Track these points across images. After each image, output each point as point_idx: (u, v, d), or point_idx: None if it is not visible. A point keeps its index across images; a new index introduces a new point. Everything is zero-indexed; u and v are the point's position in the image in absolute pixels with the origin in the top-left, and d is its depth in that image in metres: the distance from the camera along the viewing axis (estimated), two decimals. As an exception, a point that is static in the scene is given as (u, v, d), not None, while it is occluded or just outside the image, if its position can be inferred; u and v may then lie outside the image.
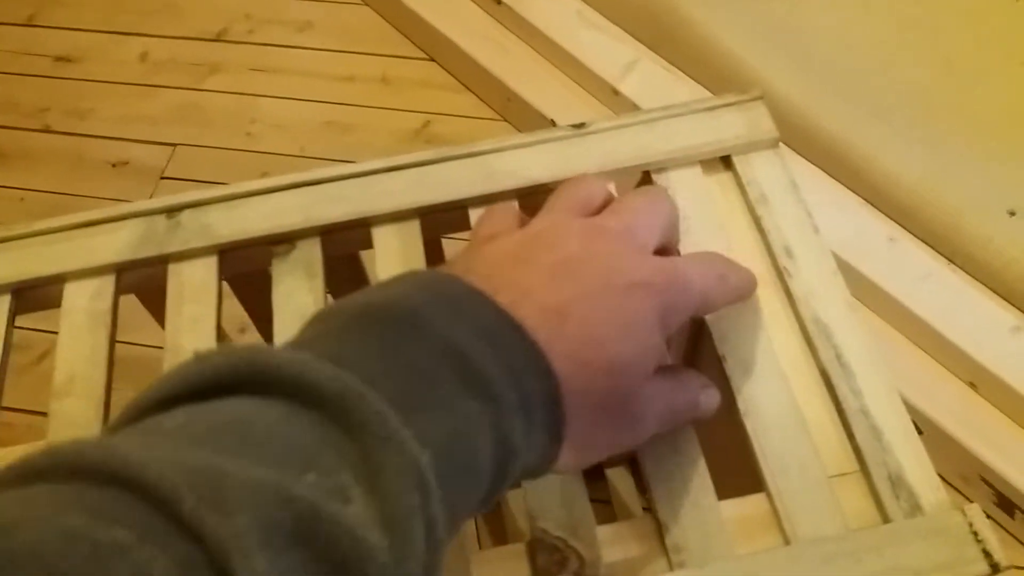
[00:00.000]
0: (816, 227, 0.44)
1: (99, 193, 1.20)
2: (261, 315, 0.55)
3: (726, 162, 0.47)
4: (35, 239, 0.46)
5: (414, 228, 0.46)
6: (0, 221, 0.46)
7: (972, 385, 0.90)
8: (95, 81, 1.35)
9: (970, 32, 1.08)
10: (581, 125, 0.48)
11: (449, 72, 1.32)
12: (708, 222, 0.44)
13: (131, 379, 0.49)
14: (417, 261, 0.45)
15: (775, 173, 0.46)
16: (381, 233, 0.46)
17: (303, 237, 0.46)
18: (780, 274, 0.42)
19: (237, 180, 0.47)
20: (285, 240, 0.46)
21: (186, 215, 0.46)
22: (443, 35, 1.28)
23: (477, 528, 0.77)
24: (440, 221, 0.47)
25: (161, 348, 0.43)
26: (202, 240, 0.45)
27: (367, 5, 1.42)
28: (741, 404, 0.39)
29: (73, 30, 1.42)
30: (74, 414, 0.41)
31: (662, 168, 0.47)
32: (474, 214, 0.46)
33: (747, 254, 0.44)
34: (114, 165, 1.25)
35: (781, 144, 0.47)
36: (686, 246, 0.43)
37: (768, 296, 0.42)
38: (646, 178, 0.47)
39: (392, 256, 0.45)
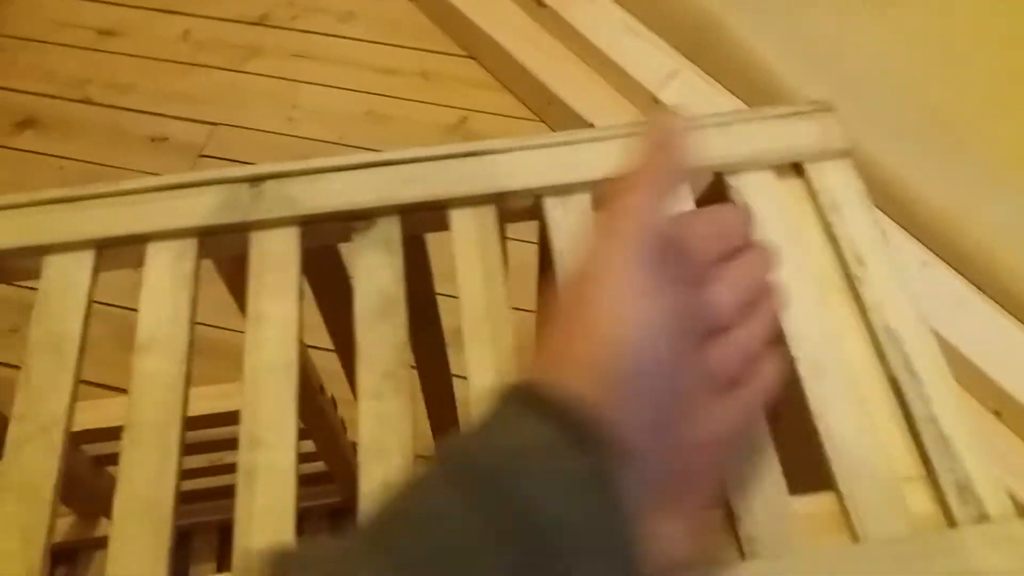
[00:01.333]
0: (886, 236, 0.45)
1: (137, 167, 1.21)
2: (324, 289, 0.56)
3: (797, 169, 0.48)
4: (121, 198, 0.47)
5: (490, 213, 0.47)
6: (37, 187, 0.47)
7: (997, 413, 0.91)
8: (137, 56, 1.36)
9: (1005, 59, 1.09)
10: (659, 124, 0.48)
11: (488, 71, 1.33)
12: (781, 226, 0.45)
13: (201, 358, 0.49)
14: (493, 246, 0.46)
15: (846, 181, 0.47)
16: (459, 216, 0.47)
17: (383, 215, 0.47)
18: (851, 282, 0.43)
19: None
20: (365, 216, 0.47)
21: (269, 185, 0.47)
22: (485, 33, 1.29)
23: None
24: (514, 209, 0.48)
25: (230, 330, 0.43)
26: (285, 210, 0.46)
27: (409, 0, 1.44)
28: (812, 405, 0.39)
29: (116, 5, 1.44)
30: (156, 371, 0.41)
31: (735, 171, 0.47)
32: (548, 203, 0.47)
33: (818, 260, 0.45)
34: (153, 140, 1.26)
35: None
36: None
37: (839, 302, 0.43)
38: (718, 180, 0.48)
39: (469, 239, 0.46)
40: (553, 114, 1.23)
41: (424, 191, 0.47)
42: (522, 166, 0.47)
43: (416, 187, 0.47)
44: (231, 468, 0.39)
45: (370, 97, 1.31)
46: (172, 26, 1.40)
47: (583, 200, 0.46)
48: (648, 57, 1.19)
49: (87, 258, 0.45)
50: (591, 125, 1.16)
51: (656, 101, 1.15)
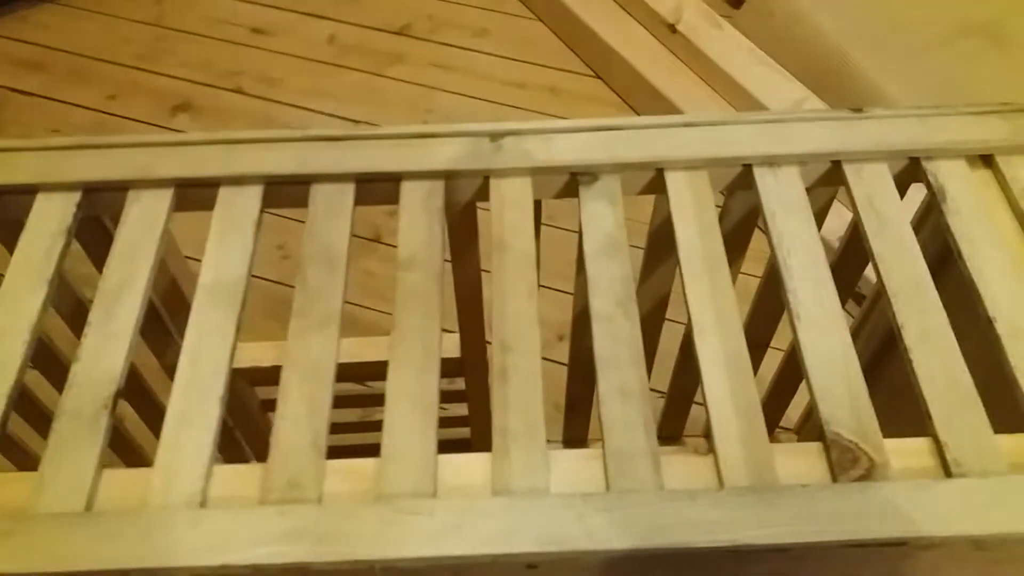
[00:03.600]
0: (1074, 224, 0.49)
1: (284, 154, 1.30)
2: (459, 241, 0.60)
3: (986, 160, 0.52)
4: (380, 141, 0.54)
5: (703, 178, 0.52)
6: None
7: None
8: (286, 54, 1.46)
9: None
10: (859, 109, 0.53)
11: (614, 90, 1.40)
12: (973, 207, 0.50)
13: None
14: (708, 214, 0.50)
15: (1035, 175, 0.51)
16: (674, 178, 0.52)
17: (606, 172, 0.52)
18: (1042, 257, 0.47)
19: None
20: (590, 172, 0.52)
21: (508, 140, 0.53)
22: (616, 53, 1.35)
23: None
24: (725, 175, 0.53)
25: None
26: (521, 162, 0.52)
27: (540, 21, 1.52)
28: (1011, 359, 0.44)
29: (268, 7, 1.55)
30: (416, 284, 0.47)
31: (930, 157, 0.52)
32: (758, 172, 0.52)
33: (1009, 237, 0.49)
34: (298, 131, 1.35)
35: None
36: (957, 229, 0.49)
37: (1031, 274, 0.47)
38: (913, 163, 0.52)
39: (686, 201, 0.51)
40: (678, 133, 1.29)
41: (644, 153, 0.53)
42: (734, 137, 0.53)
43: (636, 149, 0.53)
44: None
45: (499, 107, 1.38)
46: (320, 30, 1.50)
47: (792, 171, 0.51)
48: (775, 85, 1.23)
49: (349, 190, 0.52)
50: (717, 144, 1.21)
51: (782, 126, 1.19)
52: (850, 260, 0.60)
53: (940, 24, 1.23)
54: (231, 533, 0.38)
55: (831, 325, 0.45)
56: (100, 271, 0.59)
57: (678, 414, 0.81)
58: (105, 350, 0.45)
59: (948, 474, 0.40)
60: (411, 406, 0.43)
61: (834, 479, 0.40)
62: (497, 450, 0.41)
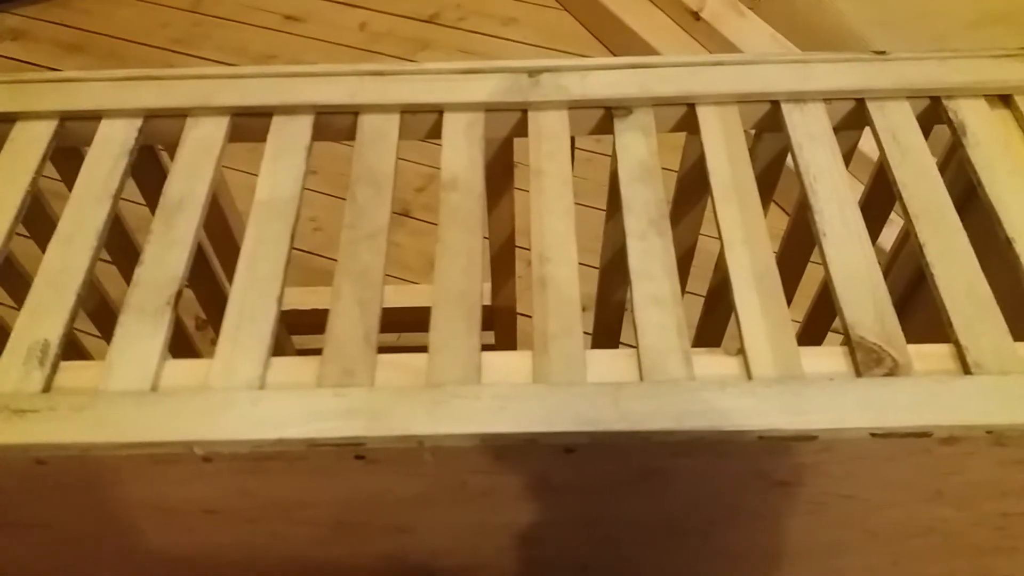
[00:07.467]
0: (1090, 157, 0.51)
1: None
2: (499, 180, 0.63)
3: (1005, 100, 0.54)
4: (423, 76, 0.56)
5: (734, 113, 0.54)
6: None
7: None
8: (318, 40, 1.50)
9: None
10: (883, 52, 0.56)
11: (638, 77, 1.43)
12: (994, 141, 0.52)
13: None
14: (738, 144, 0.53)
15: (1053, 113, 0.53)
16: (706, 112, 0.54)
17: (640, 106, 0.55)
18: (1059, 186, 0.49)
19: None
20: (625, 107, 0.55)
21: (545, 76, 0.56)
22: (641, 39, 1.38)
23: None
24: (753, 111, 0.55)
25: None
26: (558, 96, 0.55)
27: (567, 10, 1.55)
28: (1028, 274, 0.45)
29: (302, -4, 1.59)
30: (459, 202, 0.50)
31: (951, 96, 0.54)
32: (786, 108, 0.54)
33: (1028, 169, 0.51)
34: (329, 112, 1.38)
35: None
36: (977, 160, 0.51)
37: (1049, 201, 0.49)
38: (935, 103, 0.54)
39: (717, 134, 0.53)
40: (701, 116, 1.31)
41: (676, 89, 0.55)
42: (764, 76, 0.55)
43: (669, 85, 0.55)
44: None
45: (525, 92, 1.41)
46: (351, 17, 1.54)
47: (818, 107, 0.54)
48: (797, 70, 1.26)
49: (394, 119, 0.55)
50: (740, 126, 1.24)
51: (804, 109, 1.22)
52: (876, 199, 0.62)
53: (962, 12, 1.25)
54: (289, 411, 0.41)
55: (855, 241, 0.47)
56: (147, 198, 0.62)
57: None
58: (166, 255, 0.48)
59: (968, 373, 0.42)
60: (456, 307, 0.45)
61: (859, 376, 0.42)
62: (537, 348, 0.44)
